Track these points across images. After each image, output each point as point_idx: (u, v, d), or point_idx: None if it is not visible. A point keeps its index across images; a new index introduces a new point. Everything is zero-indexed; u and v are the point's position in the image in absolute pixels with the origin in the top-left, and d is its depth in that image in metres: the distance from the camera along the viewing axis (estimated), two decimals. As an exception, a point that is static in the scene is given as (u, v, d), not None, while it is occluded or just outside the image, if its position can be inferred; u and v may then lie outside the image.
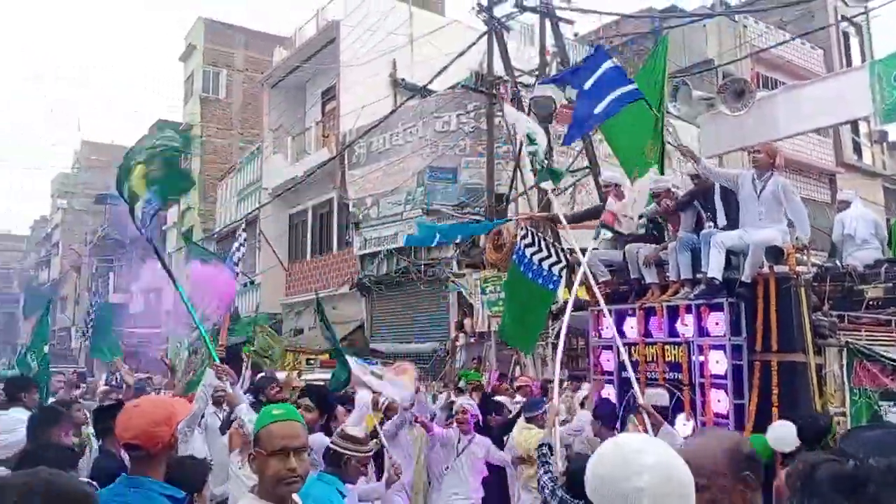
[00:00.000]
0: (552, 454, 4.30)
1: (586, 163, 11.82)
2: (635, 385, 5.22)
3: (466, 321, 13.17)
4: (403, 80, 18.67)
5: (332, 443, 3.94)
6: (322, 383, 8.75)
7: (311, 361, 12.81)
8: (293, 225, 22.04)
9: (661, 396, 5.40)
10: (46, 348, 5.78)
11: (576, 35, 18.81)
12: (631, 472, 1.47)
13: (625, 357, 5.58)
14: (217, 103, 29.02)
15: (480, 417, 6.71)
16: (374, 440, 4.77)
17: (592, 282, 6.08)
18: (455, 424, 6.43)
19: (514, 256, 6.92)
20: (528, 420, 6.51)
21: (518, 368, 11.17)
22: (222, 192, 26.26)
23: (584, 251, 6.13)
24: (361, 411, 5.58)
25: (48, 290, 41.85)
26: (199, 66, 28.90)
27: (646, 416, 4.85)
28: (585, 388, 7.66)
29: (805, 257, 5.85)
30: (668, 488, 1.48)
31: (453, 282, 14.22)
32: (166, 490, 2.44)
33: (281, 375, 8.68)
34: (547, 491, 3.93)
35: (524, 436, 6.39)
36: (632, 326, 6.48)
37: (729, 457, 1.74)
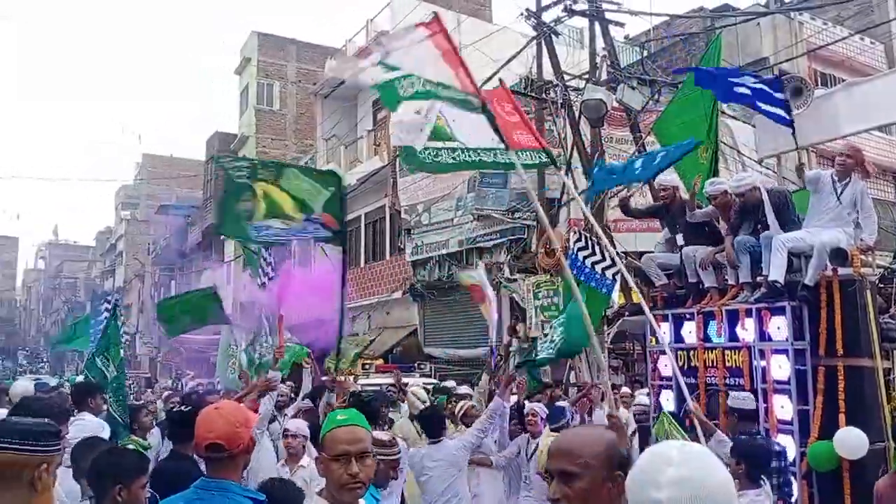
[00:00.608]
0: None
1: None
2: (685, 390, 5.14)
3: (519, 326, 13.16)
4: (453, 87, 18.77)
5: None
6: (377, 388, 8.88)
7: (367, 367, 12.99)
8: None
9: (746, 400, 5.29)
10: (122, 352, 5.97)
11: (626, 37, 18.63)
12: (653, 483, 1.43)
13: (672, 364, 5.51)
14: (271, 114, 29.68)
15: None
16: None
17: (632, 285, 6.03)
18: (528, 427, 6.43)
19: (568, 262, 6.90)
20: (555, 430, 6.37)
21: (573, 374, 11.11)
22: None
23: (640, 255, 6.08)
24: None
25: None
26: (253, 78, 29.62)
27: (697, 424, 4.74)
28: (642, 395, 7.58)
29: (870, 259, 5.69)
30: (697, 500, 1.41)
31: (505, 287, 14.23)
32: (249, 493, 2.47)
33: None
34: None
35: None
36: (690, 331, 6.39)
37: (607, 453, 1.68)
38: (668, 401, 6.42)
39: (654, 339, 6.89)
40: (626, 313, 9.06)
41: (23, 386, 6.81)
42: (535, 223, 14.03)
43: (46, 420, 2.62)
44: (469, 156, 5.13)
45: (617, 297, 8.84)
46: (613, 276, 6.70)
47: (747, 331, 5.84)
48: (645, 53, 14.91)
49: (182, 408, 4.08)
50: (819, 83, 14.81)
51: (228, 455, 2.45)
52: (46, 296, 76.72)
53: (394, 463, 3.89)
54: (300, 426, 5.51)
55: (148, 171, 44.73)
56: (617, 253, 7.17)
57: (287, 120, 29.85)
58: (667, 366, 6.59)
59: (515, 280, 14.39)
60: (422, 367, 14.64)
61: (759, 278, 5.88)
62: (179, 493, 2.48)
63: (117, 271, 46.60)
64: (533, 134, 5.43)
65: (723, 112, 8.11)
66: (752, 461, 4.20)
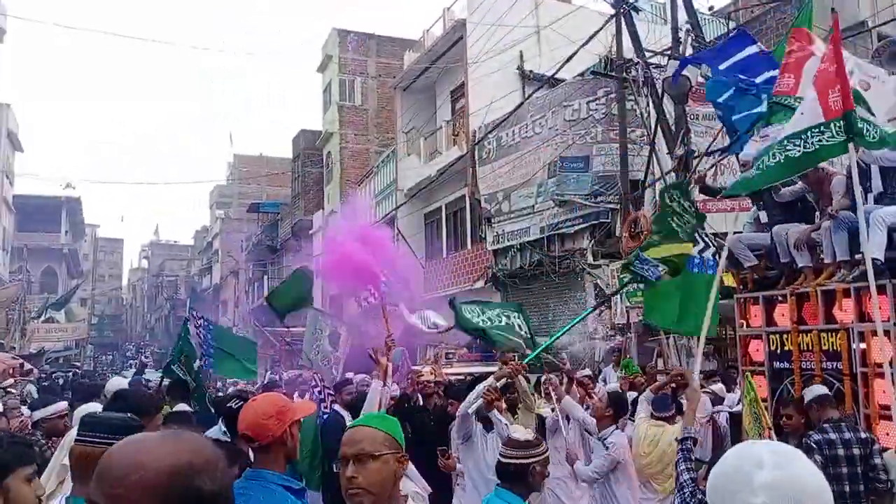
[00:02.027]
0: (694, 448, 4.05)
1: (728, 141, 11.18)
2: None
3: (605, 313, 12.88)
4: (531, 71, 18.56)
5: (504, 456, 3.39)
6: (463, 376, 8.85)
7: (451, 355, 13.02)
8: (428, 223, 22.52)
9: (815, 389, 5.02)
10: (196, 363, 6.24)
11: (711, 9, 17.85)
12: (746, 488, 1.33)
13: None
14: (353, 110, 30.18)
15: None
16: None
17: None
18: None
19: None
20: (659, 419, 6.12)
21: (661, 360, 10.79)
22: (361, 195, 27.29)
23: (725, 235, 5.79)
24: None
25: (210, 296, 45.27)
26: (335, 75, 30.19)
27: None
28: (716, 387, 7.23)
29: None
30: None
31: (589, 273, 13.96)
32: (285, 481, 2.54)
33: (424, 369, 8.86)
34: (687, 491, 3.70)
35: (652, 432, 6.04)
36: (783, 314, 6.06)
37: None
38: (760, 387, 6.12)
39: (744, 323, 6.58)
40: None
41: (117, 382, 7.20)
42: (618, 206, 13.68)
43: (130, 415, 2.77)
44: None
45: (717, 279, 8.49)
46: (713, 256, 6.40)
47: (845, 312, 5.49)
48: (731, 25, 14.22)
49: (234, 403, 4.23)
50: (926, 45, 13.72)
51: (260, 446, 2.57)
52: (150, 293, 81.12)
53: (546, 461, 3.48)
54: None
55: (239, 170, 46.46)
56: (708, 234, 6.88)
57: (368, 115, 30.29)
58: (758, 351, 6.30)
59: (599, 266, 14.10)
60: (502, 356, 14.58)
61: (857, 256, 5.51)
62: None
63: (214, 268, 48.70)
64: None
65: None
66: None
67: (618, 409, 6.02)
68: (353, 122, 30.15)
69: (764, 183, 5.28)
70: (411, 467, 4.38)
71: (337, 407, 6.49)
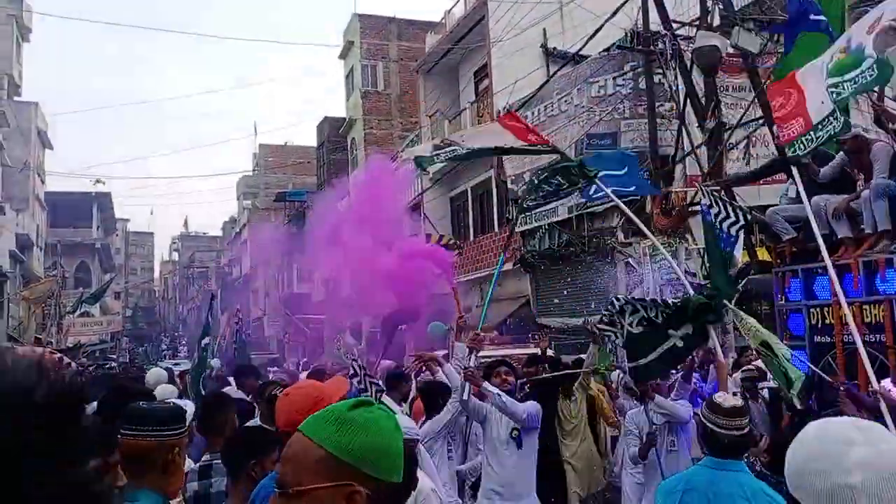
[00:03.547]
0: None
1: (759, 112, 10.92)
2: (863, 352, 4.46)
3: (636, 290, 12.72)
4: (555, 48, 18.30)
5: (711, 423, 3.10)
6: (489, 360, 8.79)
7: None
8: (455, 207, 22.44)
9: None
10: (206, 340, 6.30)
11: (739, -22, 17.40)
12: (839, 468, 1.26)
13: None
14: (376, 95, 30.11)
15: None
16: None
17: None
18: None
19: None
20: None
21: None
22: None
23: (763, 209, 5.64)
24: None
25: (240, 286, 45.71)
26: (357, 61, 30.10)
27: (884, 408, 4.05)
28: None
29: None
30: (889, 485, 1.25)
31: (620, 252, 13.79)
32: None
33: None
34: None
35: None
36: (823, 286, 5.92)
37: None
38: (802, 361, 5.98)
39: (783, 297, 6.44)
40: (752, 271, 8.53)
41: (157, 374, 7.25)
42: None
43: (173, 403, 2.78)
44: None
45: (740, 255, 8.33)
46: (737, 231, 6.25)
47: (888, 283, 5.33)
48: (760, -7, 13.85)
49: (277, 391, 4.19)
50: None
51: None
52: (182, 285, 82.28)
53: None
54: None
55: (264, 160, 46.71)
56: (740, 207, 6.71)
57: (391, 99, 30.20)
58: (798, 325, 6.16)
59: (630, 244, 13.91)
60: (535, 337, 14.50)
61: (900, 224, 5.34)
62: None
63: (244, 258, 49.18)
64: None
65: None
66: None
67: None
68: (376, 107, 30.09)
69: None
70: (427, 458, 4.29)
71: (388, 399, 5.64)
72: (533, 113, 16.79)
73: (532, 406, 5.09)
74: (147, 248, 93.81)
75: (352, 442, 1.22)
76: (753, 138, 11.79)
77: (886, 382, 4.65)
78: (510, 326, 17.15)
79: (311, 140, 39.09)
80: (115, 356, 34.68)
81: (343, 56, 31.74)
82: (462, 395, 5.02)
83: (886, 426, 3.94)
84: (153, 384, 6.07)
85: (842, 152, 6.16)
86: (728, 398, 3.25)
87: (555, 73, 15.80)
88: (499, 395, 4.92)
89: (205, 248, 76.42)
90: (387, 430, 1.26)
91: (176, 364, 17.16)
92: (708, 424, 3.07)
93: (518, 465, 5.01)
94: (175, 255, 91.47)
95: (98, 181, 41.60)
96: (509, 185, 17.69)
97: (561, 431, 6.57)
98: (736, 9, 11.87)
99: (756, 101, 11.15)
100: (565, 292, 16.22)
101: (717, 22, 11.51)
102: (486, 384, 5.05)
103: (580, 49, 14.32)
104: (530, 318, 16.77)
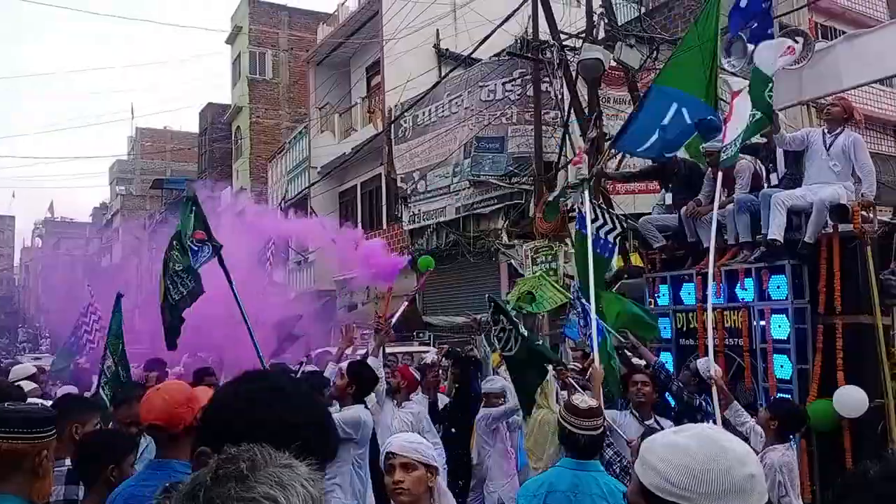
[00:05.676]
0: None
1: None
2: (710, 355, 4.91)
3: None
4: (448, 50, 18.48)
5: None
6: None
7: (366, 336, 12.93)
8: (343, 202, 22.21)
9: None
10: (121, 345, 5.83)
11: (623, -6, 18.24)
12: (736, 459, 1.32)
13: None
14: (264, 84, 29.28)
15: None
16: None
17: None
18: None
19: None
20: None
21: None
22: (272, 173, 26.59)
23: (638, 216, 5.96)
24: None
25: (111, 275, 43.19)
26: (245, 47, 29.15)
27: (715, 392, 4.55)
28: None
29: (871, 214, 5.59)
30: (762, 471, 1.38)
31: (503, 253, 14.14)
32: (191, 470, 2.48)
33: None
34: (616, 468, 3.72)
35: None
36: (689, 292, 6.32)
37: None
38: (667, 363, 6.37)
39: (652, 302, 6.83)
40: (626, 276, 8.99)
41: (23, 368, 6.77)
42: (532, 188, 13.88)
43: (40, 404, 2.62)
44: None
45: (615, 261, 8.76)
46: (614, 238, 6.58)
47: (747, 291, 5.77)
48: (642, 10, 14.58)
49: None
50: (820, 36, 14.53)
51: (170, 435, 2.52)
52: (45, 274, 76.71)
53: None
54: None
55: (141, 144, 44.39)
56: (617, 216, 7.05)
57: (280, 89, 29.47)
58: (665, 328, 6.54)
59: (513, 246, 14.29)
60: (421, 335, 14.63)
61: (758, 237, 5.79)
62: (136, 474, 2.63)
63: (114, 248, 46.54)
64: None
65: (722, 69, 7.88)
66: (787, 420, 4.38)
67: None
68: (263, 96, 29.26)
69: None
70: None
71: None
72: (424, 113, 16.90)
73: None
74: (7, 232, 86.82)
75: None
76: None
77: (702, 361, 5.07)
78: (397, 324, 17.16)
79: (192, 126, 37.54)
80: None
81: (230, 41, 30.65)
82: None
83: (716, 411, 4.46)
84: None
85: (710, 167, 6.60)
86: (585, 399, 3.39)
87: (447, 74, 15.98)
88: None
89: (72, 235, 71.64)
90: None
91: (37, 359, 16.00)
92: (566, 426, 3.20)
93: None
94: (38, 242, 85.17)
95: (-50, 159, 37.97)
96: (398, 183, 17.72)
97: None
98: (619, 24, 12.47)
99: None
100: (450, 291, 16.45)
101: (601, 35, 12.03)
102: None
103: (472, 52, 14.55)
104: (417, 316, 16.86)
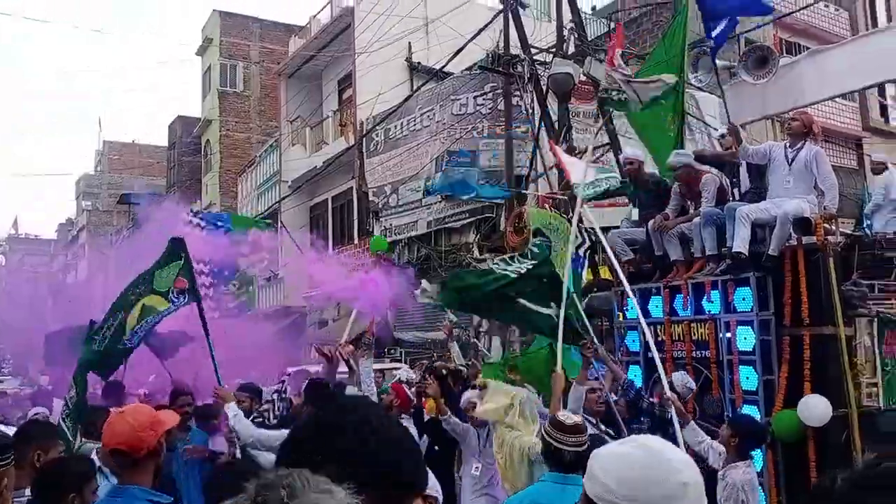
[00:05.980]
0: None
1: (607, 139, 11.62)
2: (663, 377, 5.02)
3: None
4: (419, 63, 18.53)
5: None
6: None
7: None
8: (314, 216, 22.07)
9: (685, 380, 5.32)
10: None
11: (593, 9, 18.50)
12: (672, 469, 1.39)
13: (646, 339, 5.40)
14: (235, 96, 29.05)
15: None
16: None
17: (615, 261, 5.95)
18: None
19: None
20: None
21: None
22: (242, 186, 26.36)
23: (606, 230, 5.97)
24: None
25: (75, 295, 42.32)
26: (215, 59, 28.93)
27: (673, 413, 4.65)
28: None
29: (833, 227, 5.67)
30: (700, 480, 1.43)
31: (475, 267, 14.11)
32: (152, 496, 2.42)
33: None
34: None
35: None
36: (657, 305, 6.35)
37: None
38: (635, 377, 6.38)
39: (621, 315, 6.84)
40: (595, 289, 9.02)
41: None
42: (503, 202, 13.91)
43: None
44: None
45: (585, 274, 8.79)
46: (585, 252, 6.60)
47: (713, 303, 5.81)
48: (612, 25, 14.78)
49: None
50: (784, 51, 14.83)
51: (133, 460, 2.46)
52: (8, 291, 74.95)
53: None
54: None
55: (109, 158, 43.74)
56: (587, 229, 7.08)
57: (251, 102, 29.27)
58: (634, 341, 6.56)
59: (484, 260, 14.28)
60: (391, 352, 14.53)
61: (723, 250, 5.84)
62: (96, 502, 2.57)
63: (80, 264, 45.74)
64: None
65: (689, 83, 8.01)
66: (747, 436, 4.40)
67: None
68: (234, 109, 29.02)
69: None
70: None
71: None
72: (396, 126, 16.89)
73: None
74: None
75: None
76: (600, 163, 12.50)
77: (678, 375, 5.29)
78: (367, 341, 17.01)
79: (161, 140, 37.09)
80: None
81: (200, 53, 30.42)
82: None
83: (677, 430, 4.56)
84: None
85: (676, 182, 6.66)
86: (570, 416, 3.45)
87: (419, 88, 16.00)
88: None
89: (36, 252, 70.14)
90: None
91: (-1, 382, 15.47)
92: (552, 442, 3.24)
93: None
94: (2, 259, 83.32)
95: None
96: (370, 197, 17.66)
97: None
98: (588, 39, 12.60)
99: (604, 128, 11.86)
100: (421, 306, 16.35)
101: (571, 50, 12.14)
102: None
103: (444, 66, 14.60)
104: (388, 331, 16.75)
